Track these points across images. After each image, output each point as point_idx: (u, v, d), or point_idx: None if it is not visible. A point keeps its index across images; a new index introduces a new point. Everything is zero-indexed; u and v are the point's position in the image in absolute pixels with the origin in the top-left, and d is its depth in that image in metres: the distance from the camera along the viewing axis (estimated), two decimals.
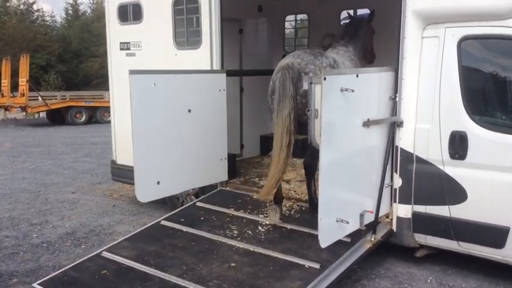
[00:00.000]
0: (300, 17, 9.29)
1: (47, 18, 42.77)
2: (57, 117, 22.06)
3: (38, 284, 4.37)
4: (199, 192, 6.63)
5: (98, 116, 22.28)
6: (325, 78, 3.89)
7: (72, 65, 38.33)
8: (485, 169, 4.54)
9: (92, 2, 44.12)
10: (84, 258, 4.84)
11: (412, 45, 4.81)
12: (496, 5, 4.34)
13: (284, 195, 6.01)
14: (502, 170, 4.45)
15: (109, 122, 8.31)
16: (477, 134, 4.54)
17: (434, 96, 4.74)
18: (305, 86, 4.42)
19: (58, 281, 4.41)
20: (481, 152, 4.54)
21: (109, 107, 8.03)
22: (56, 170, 11.15)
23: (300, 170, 7.18)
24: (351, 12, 8.16)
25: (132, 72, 4.98)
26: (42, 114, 24.09)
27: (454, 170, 4.69)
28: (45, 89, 32.00)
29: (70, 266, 4.70)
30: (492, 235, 4.58)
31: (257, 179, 6.85)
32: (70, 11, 43.57)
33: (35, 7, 40.93)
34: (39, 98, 22.31)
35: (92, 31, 39.45)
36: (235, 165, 6.94)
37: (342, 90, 4.10)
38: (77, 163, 12.00)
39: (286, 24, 9.20)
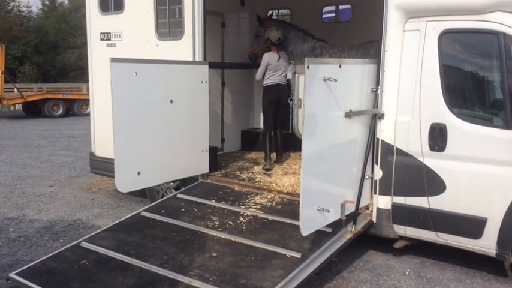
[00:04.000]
0: (282, 11, 9.32)
1: (23, 9, 41.79)
2: (34, 110, 21.65)
3: (15, 274, 4.29)
4: (180, 185, 6.58)
5: (75, 108, 21.97)
6: (308, 67, 3.92)
7: (48, 57, 37.50)
8: (463, 161, 4.62)
9: None
10: (62, 248, 4.78)
11: (394, 38, 4.86)
12: (475, 0, 4.42)
13: (265, 187, 6.05)
14: (480, 161, 4.54)
15: (87, 114, 8.21)
16: (456, 126, 4.62)
17: (415, 88, 4.80)
18: (289, 76, 4.44)
19: (36, 270, 4.34)
20: (460, 143, 4.62)
21: (86, 100, 7.93)
22: (32, 163, 10.93)
23: (281, 163, 7.22)
24: (333, 8, 8.28)
25: (113, 60, 4.92)
26: (18, 107, 23.63)
27: (434, 162, 4.77)
28: (21, 80, 31.31)
29: (48, 255, 4.63)
30: (470, 226, 4.67)
31: (238, 172, 6.83)
32: (47, 2, 42.56)
33: None
34: (15, 90, 21.89)
35: (69, 22, 38.70)
36: (216, 158, 6.91)
37: (324, 80, 4.14)
38: (54, 156, 11.78)
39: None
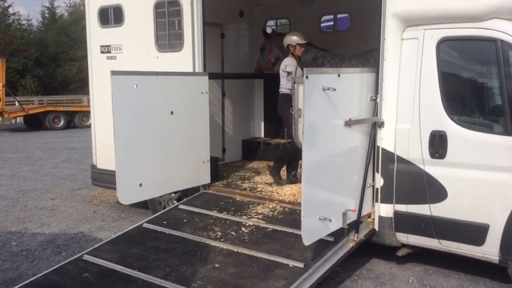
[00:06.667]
0: (281, 21, 9.38)
1: (23, 22, 42.00)
2: (35, 122, 21.68)
3: None
4: (182, 196, 6.59)
5: (76, 120, 22.05)
6: (307, 77, 3.94)
7: (49, 69, 37.65)
8: (464, 168, 4.62)
9: (69, 5, 43.63)
10: (65, 262, 4.77)
11: (392, 47, 4.88)
12: (473, 7, 4.44)
13: (267, 196, 6.05)
14: (481, 168, 4.54)
15: (87, 126, 8.23)
16: (456, 133, 4.62)
17: (414, 96, 4.82)
18: (288, 86, 4.49)
19: (39, 284, 4.33)
20: (460, 150, 4.62)
21: (87, 112, 7.96)
22: (34, 176, 10.94)
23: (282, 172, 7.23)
24: (331, 16, 8.33)
25: (114, 72, 4.95)
26: (20, 119, 23.70)
27: (434, 169, 4.77)
28: (22, 93, 31.45)
29: (51, 269, 4.61)
30: (472, 232, 4.66)
31: (240, 181, 6.84)
32: (47, 15, 42.78)
33: (10, 10, 40.14)
34: (16, 103, 21.95)
35: (69, 34, 38.90)
36: (217, 168, 6.92)
37: (323, 89, 4.16)
38: (55, 169, 11.80)
39: (268, 29, 9.25)
